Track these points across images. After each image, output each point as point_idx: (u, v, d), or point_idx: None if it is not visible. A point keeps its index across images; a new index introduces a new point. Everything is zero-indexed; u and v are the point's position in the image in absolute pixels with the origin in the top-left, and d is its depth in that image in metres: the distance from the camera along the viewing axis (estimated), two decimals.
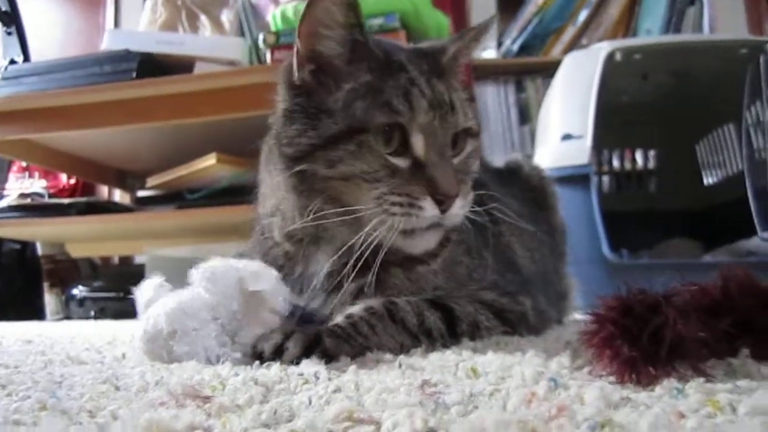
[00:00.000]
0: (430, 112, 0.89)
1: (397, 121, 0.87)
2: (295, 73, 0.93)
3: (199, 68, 2.44)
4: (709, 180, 2.43)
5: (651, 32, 2.59)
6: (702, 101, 2.26)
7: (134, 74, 2.34)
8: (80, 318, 2.61)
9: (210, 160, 2.29)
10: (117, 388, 0.60)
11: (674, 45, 2.14)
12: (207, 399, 0.51)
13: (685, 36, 2.49)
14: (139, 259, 3.05)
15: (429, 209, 0.86)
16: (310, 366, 0.65)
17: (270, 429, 0.42)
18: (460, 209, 0.90)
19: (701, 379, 0.56)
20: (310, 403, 0.51)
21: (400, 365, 0.68)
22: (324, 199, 0.90)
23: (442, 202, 0.86)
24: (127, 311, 2.49)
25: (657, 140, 2.53)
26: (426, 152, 0.88)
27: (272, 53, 2.37)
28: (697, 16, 2.58)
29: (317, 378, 0.61)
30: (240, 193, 2.36)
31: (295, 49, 0.93)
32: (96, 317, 2.59)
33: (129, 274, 2.82)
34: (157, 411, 0.46)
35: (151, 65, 2.40)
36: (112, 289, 2.69)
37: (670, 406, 0.47)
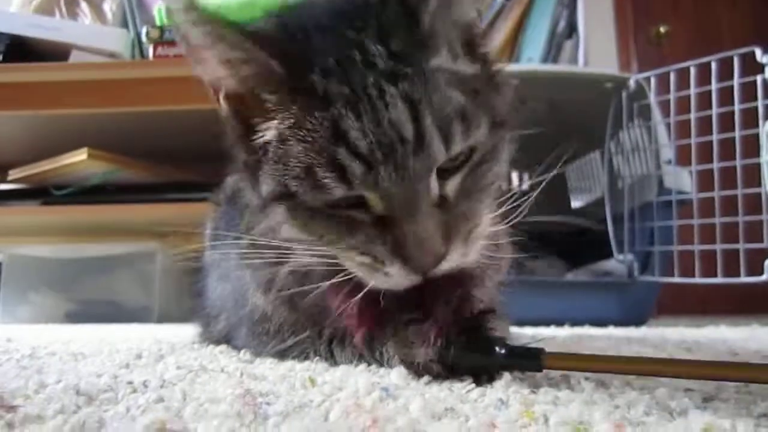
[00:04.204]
0: (378, 168, 0.59)
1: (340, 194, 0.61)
2: None
3: (76, 58, 2.31)
4: (576, 203, 2.59)
5: (532, 60, 2.73)
6: (572, 129, 2.39)
7: (0, 57, 2.18)
8: None
9: (80, 155, 2.15)
10: None
11: (549, 74, 2.26)
12: (12, 409, 0.48)
13: (560, 66, 2.64)
14: None
15: (398, 277, 0.63)
16: (141, 375, 0.62)
17: None
18: (460, 258, 0.65)
19: (526, 391, 0.59)
20: (127, 413, 0.48)
21: (241, 374, 0.67)
22: None
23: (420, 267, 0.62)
24: None
25: (530, 164, 2.64)
26: (387, 209, 0.62)
27: (155, 49, 2.28)
28: (574, 50, 2.75)
29: (146, 387, 0.59)
30: (112, 192, 2.26)
31: None
32: None
33: None
34: None
35: (21, 49, 2.24)
36: None
37: (489, 417, 0.49)
